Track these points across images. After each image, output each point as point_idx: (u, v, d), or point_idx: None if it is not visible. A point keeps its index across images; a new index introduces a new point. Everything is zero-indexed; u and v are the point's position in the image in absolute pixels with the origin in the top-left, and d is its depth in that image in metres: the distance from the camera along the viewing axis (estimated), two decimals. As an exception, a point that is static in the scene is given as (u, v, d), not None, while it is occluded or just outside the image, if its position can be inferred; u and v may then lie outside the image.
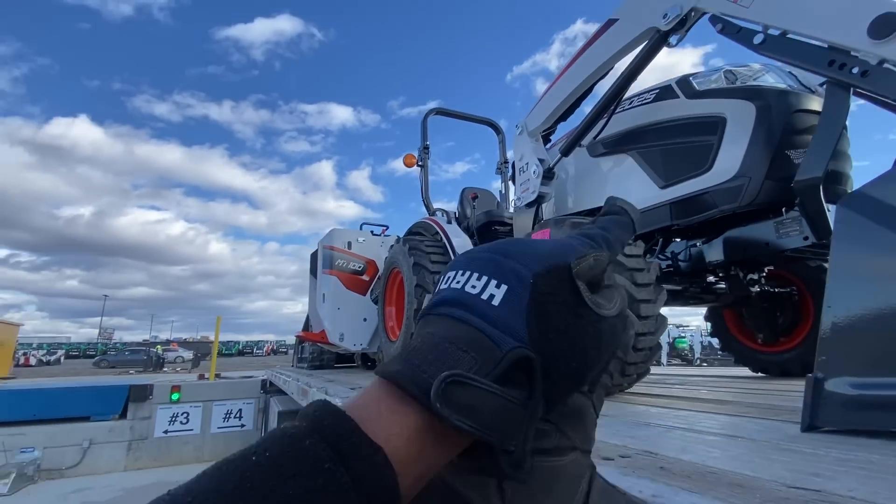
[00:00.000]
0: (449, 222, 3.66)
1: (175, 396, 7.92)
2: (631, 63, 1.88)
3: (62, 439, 7.18)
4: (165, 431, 7.82)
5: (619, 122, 2.13)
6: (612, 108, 2.06)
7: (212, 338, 10.15)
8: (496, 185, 4.82)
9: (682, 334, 23.98)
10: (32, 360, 36.83)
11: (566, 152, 2.24)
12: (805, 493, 0.56)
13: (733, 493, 0.56)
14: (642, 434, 0.96)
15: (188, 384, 8.27)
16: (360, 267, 4.68)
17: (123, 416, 7.61)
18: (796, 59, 1.29)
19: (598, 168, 2.29)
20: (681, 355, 20.89)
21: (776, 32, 1.33)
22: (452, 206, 4.46)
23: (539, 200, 2.41)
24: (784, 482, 0.60)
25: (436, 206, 4.34)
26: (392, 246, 3.97)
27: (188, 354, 36.73)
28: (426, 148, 4.45)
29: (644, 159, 2.02)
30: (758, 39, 1.36)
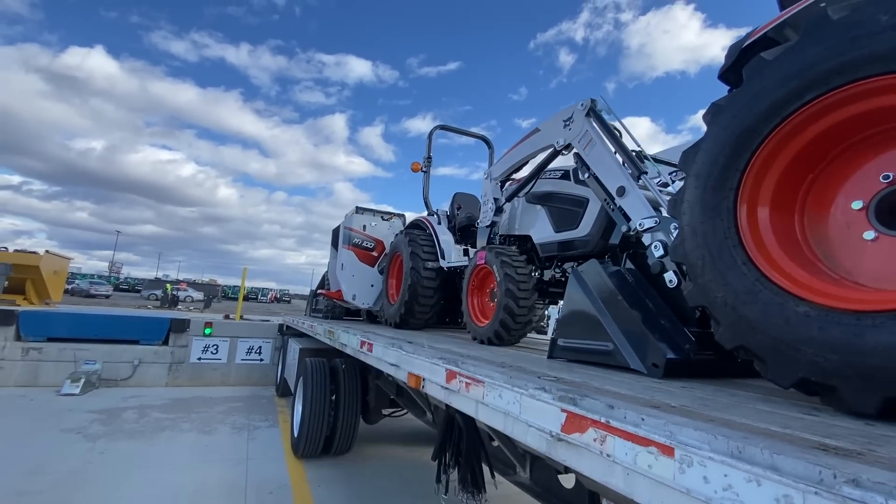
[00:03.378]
0: (439, 223, 5.02)
1: (208, 331, 9.53)
2: (544, 158, 3.21)
3: (117, 356, 8.81)
4: (199, 358, 9.46)
5: (541, 185, 3.46)
6: (536, 177, 3.38)
7: (219, 280, 11.63)
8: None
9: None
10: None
11: (509, 199, 3.58)
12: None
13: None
14: (516, 354, 2.39)
15: (218, 322, 9.86)
16: (371, 245, 6.07)
17: (166, 343, 9.23)
18: (596, 191, 2.62)
19: (528, 210, 3.63)
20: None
21: (593, 173, 2.66)
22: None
23: (492, 226, 3.77)
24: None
25: (433, 198, 5.67)
26: (397, 234, 5.34)
27: (198, 295, 38.95)
28: (429, 158, 5.74)
29: (549, 212, 3.36)
30: (585, 175, 2.68)
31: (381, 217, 6.33)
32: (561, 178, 3.31)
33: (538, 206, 3.47)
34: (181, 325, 9.34)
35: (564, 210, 3.18)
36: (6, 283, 9.50)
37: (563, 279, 3.44)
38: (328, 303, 7.66)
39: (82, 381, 8.01)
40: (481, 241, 3.91)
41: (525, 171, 3.75)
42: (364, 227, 6.07)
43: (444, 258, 4.60)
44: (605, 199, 2.52)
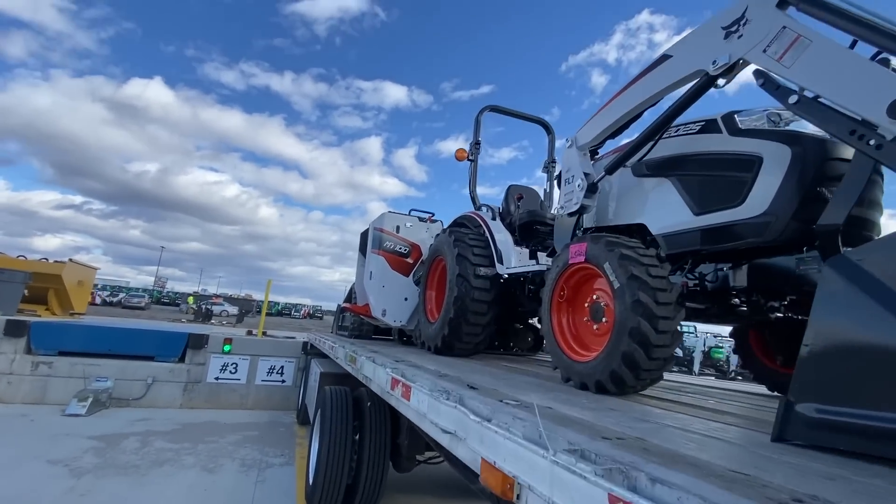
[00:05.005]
0: (493, 218, 3.90)
1: (227, 348, 8.72)
2: (680, 98, 2.04)
3: (130, 374, 8.10)
4: (216, 378, 8.63)
5: (664, 148, 2.29)
6: (659, 134, 2.23)
7: (255, 296, 10.98)
8: (536, 180, 4.99)
9: (720, 345, 23.17)
10: (98, 300, 40.46)
11: (611, 171, 2.43)
12: (737, 475, 0.81)
13: (687, 469, 0.82)
14: (639, 426, 1.22)
15: (238, 338, 9.05)
16: (405, 250, 5.03)
17: (182, 360, 8.46)
18: (823, 123, 1.43)
19: (639, 187, 2.46)
20: (715, 366, 20.31)
21: (810, 95, 1.47)
22: (493, 192, 4.69)
23: (581, 211, 2.62)
24: (728, 467, 0.85)
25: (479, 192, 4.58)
26: (438, 234, 4.27)
27: (233, 309, 39.24)
28: (477, 143, 4.67)
29: (682, 185, 2.19)
30: (793, 99, 1.51)
31: (418, 218, 5.30)
32: (701, 131, 2.15)
33: (657, 180, 2.32)
34: (199, 342, 8.57)
35: (714, 179, 2.02)
36: (25, 291, 9.06)
37: (699, 289, 2.23)
38: (355, 319, 6.65)
39: (90, 400, 7.30)
40: (561, 238, 2.77)
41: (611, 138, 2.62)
42: (398, 228, 5.04)
43: (501, 262, 3.48)
44: (853, 133, 1.33)
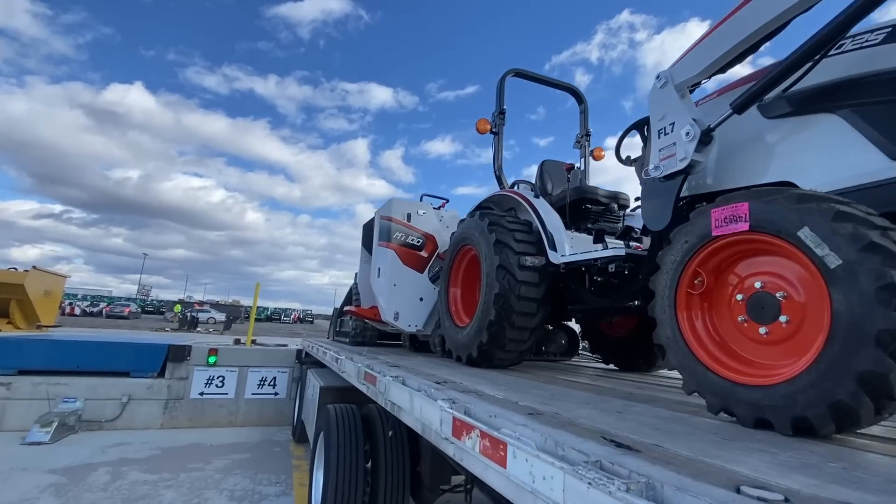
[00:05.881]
0: (537, 196, 3.19)
1: (212, 359, 7.88)
2: (841, 17, 1.36)
3: (103, 392, 7.23)
4: (201, 393, 7.79)
5: (826, 71, 1.60)
6: (823, 51, 1.53)
7: (243, 301, 10.14)
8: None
9: None
10: (77, 310, 38.96)
11: (742, 108, 1.72)
12: None
13: None
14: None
15: (225, 348, 8.20)
16: (418, 241, 4.28)
17: (161, 374, 7.60)
18: None
19: (776, 131, 1.77)
20: None
21: None
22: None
23: (688, 171, 1.91)
24: None
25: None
26: (462, 220, 3.54)
27: (220, 316, 37.94)
28: (502, 113, 3.96)
29: (864, 120, 1.49)
30: None
31: (432, 206, 4.56)
32: (886, 40, 1.47)
33: (813, 119, 1.63)
34: (180, 354, 7.71)
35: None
36: (-19, 304, 8.10)
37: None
38: (356, 323, 5.88)
39: (55, 424, 6.42)
40: (653, 212, 2.07)
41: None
42: (408, 216, 4.29)
43: (554, 249, 2.76)
44: None
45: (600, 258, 2.44)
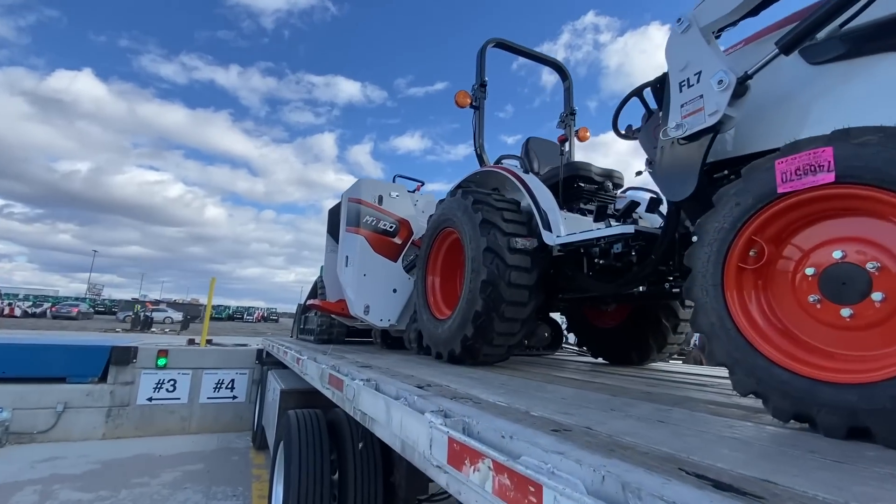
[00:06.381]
0: (526, 172, 2.85)
1: (162, 362, 7.19)
2: None
3: (33, 401, 6.46)
4: (149, 399, 7.11)
5: (886, 6, 1.32)
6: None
7: (202, 300, 9.42)
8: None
9: None
10: (17, 311, 36.06)
11: (791, 47, 1.42)
12: None
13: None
14: None
15: (177, 349, 7.53)
16: (391, 227, 3.87)
17: (103, 379, 6.87)
18: None
19: (819, 81, 1.48)
20: None
21: None
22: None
23: (718, 128, 1.61)
24: None
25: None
26: (442, 201, 3.16)
27: (178, 315, 35.99)
28: (483, 85, 3.60)
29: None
30: None
31: (406, 188, 4.16)
32: None
33: (875, 60, 1.35)
34: (125, 356, 6.99)
35: None
36: None
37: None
38: (322, 319, 5.41)
39: (-26, 439, 5.64)
40: (671, 180, 1.77)
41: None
42: (380, 199, 3.87)
43: (549, 230, 2.43)
44: None
45: (604, 237, 2.12)
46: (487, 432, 0.98)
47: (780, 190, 1.12)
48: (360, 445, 2.63)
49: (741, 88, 1.56)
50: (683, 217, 1.98)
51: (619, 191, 3.10)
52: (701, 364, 5.34)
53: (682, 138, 1.71)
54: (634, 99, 2.31)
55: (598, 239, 2.15)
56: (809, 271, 1.14)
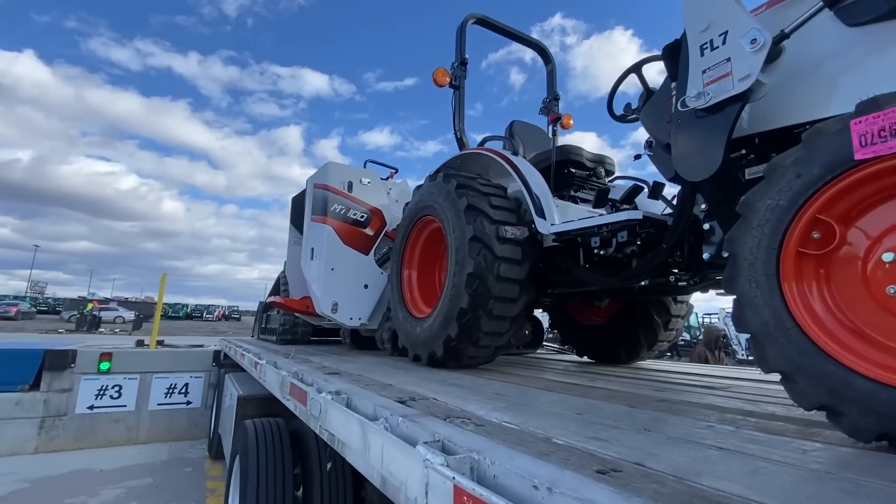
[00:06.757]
0: (515, 154, 2.59)
1: (105, 366, 6.54)
2: None
3: (-49, 413, 5.72)
4: (90, 407, 6.45)
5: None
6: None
7: (157, 298, 8.65)
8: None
9: None
10: (-55, 311, 32.99)
11: (836, 0, 1.22)
12: None
13: None
14: None
15: (122, 352, 6.87)
16: (362, 217, 3.54)
17: (36, 387, 6.17)
18: None
19: (861, 44, 1.29)
20: None
21: None
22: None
23: (747, 96, 1.40)
24: None
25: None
26: (420, 187, 2.87)
27: (130, 314, 33.89)
28: (463, 63, 3.33)
29: None
30: None
31: (378, 175, 3.83)
32: None
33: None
34: (61, 361, 6.31)
35: None
36: None
37: None
38: (285, 318, 5.01)
39: None
40: (687, 157, 1.56)
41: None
42: (349, 185, 3.52)
43: (543, 217, 2.18)
44: None
45: (608, 224, 1.90)
46: (508, 477, 0.70)
47: (857, 156, 0.91)
48: (329, 466, 2.31)
49: (776, 50, 1.36)
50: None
51: (609, 179, 2.91)
52: (706, 362, 5.26)
53: (703, 109, 1.49)
54: (621, 91, 2.13)
55: (601, 227, 1.93)
56: (888, 257, 0.93)
